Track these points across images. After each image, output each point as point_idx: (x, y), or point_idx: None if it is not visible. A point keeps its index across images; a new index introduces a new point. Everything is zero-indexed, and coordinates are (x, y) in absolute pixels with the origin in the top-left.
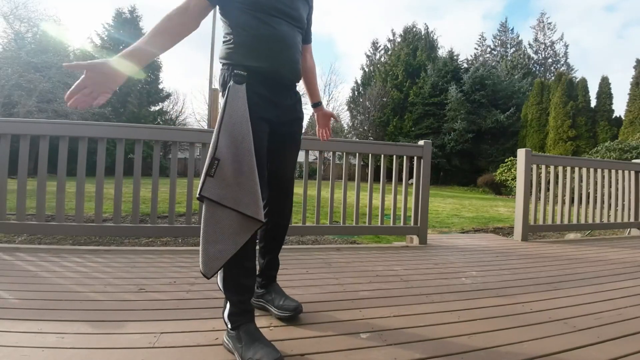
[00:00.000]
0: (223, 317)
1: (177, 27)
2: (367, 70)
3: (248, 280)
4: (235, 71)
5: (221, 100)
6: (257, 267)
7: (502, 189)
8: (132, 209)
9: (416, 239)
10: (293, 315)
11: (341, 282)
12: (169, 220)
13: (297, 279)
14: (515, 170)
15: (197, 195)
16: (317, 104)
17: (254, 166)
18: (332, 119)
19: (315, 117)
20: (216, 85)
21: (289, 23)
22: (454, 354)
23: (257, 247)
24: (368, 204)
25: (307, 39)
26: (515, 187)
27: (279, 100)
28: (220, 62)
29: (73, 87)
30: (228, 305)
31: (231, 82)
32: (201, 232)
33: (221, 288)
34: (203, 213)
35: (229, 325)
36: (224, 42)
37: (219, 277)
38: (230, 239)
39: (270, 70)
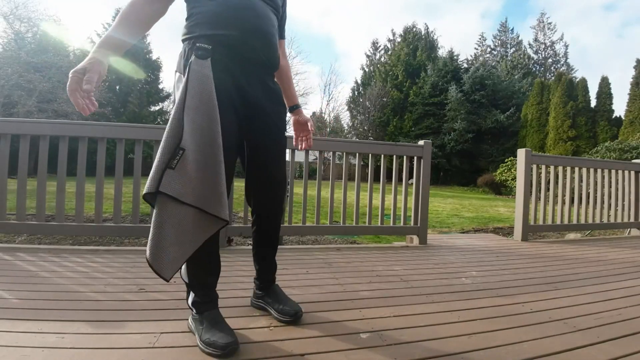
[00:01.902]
0: (187, 303)
1: (143, 14)
2: (367, 70)
3: (212, 278)
4: (197, 44)
5: (177, 79)
6: (255, 272)
7: (502, 189)
8: (132, 209)
9: (416, 239)
10: (293, 321)
11: (341, 282)
12: None
13: (297, 279)
14: (515, 170)
15: (152, 190)
16: (293, 107)
17: (220, 158)
18: (309, 125)
19: (292, 122)
20: None
21: None
22: (454, 354)
23: (252, 253)
24: (368, 204)
25: (281, 33)
26: (515, 187)
27: (251, 80)
28: (182, 41)
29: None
30: (192, 293)
31: (192, 57)
32: (155, 232)
33: (185, 281)
34: (157, 211)
35: (194, 311)
36: (186, 19)
37: (182, 270)
38: (192, 239)
39: (240, 41)
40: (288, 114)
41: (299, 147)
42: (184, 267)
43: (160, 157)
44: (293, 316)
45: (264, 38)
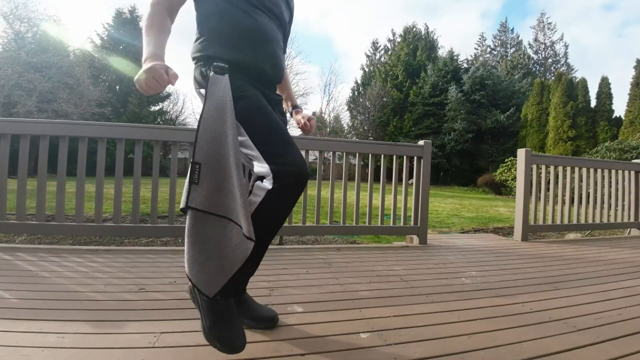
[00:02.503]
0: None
1: (166, 24)
2: (367, 70)
3: (247, 276)
4: (214, 63)
5: (199, 99)
6: None
7: (502, 189)
8: (132, 209)
9: (416, 239)
10: (270, 327)
11: (341, 282)
12: (169, 220)
13: (297, 278)
14: (515, 170)
15: (182, 207)
16: (293, 108)
17: (241, 169)
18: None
19: (296, 120)
20: None
21: (270, 18)
22: (454, 354)
23: None
24: (368, 204)
25: (284, 48)
26: (515, 187)
27: (265, 93)
28: (193, 59)
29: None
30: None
31: (211, 73)
32: (190, 250)
33: None
34: (189, 227)
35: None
36: (197, 38)
37: None
38: (230, 255)
39: (253, 65)
40: (289, 116)
41: (306, 127)
42: None
43: (188, 174)
44: (271, 321)
45: (273, 62)
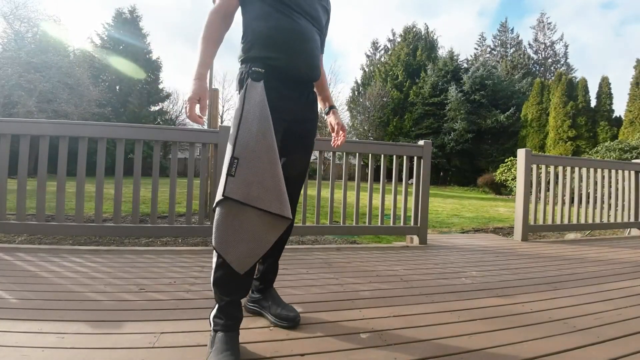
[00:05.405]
0: (209, 316)
1: (221, 31)
2: (367, 70)
3: (246, 281)
4: (252, 68)
5: (237, 98)
6: (256, 271)
7: (502, 189)
8: (132, 209)
9: (416, 239)
10: (292, 326)
11: (341, 282)
12: (168, 220)
13: (297, 279)
14: (515, 170)
15: (220, 197)
16: (330, 109)
17: (276, 162)
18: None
19: (329, 121)
20: (216, 85)
21: (308, 21)
22: (454, 354)
23: None
24: (368, 204)
25: (322, 49)
26: (515, 187)
27: (294, 96)
28: (239, 62)
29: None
30: (216, 306)
31: (249, 80)
32: (220, 234)
33: (215, 287)
34: (222, 215)
35: (211, 326)
36: (242, 41)
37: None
38: (261, 238)
39: (288, 64)
40: (324, 115)
41: (334, 144)
42: (220, 276)
43: (224, 168)
44: (291, 321)
45: (309, 61)
